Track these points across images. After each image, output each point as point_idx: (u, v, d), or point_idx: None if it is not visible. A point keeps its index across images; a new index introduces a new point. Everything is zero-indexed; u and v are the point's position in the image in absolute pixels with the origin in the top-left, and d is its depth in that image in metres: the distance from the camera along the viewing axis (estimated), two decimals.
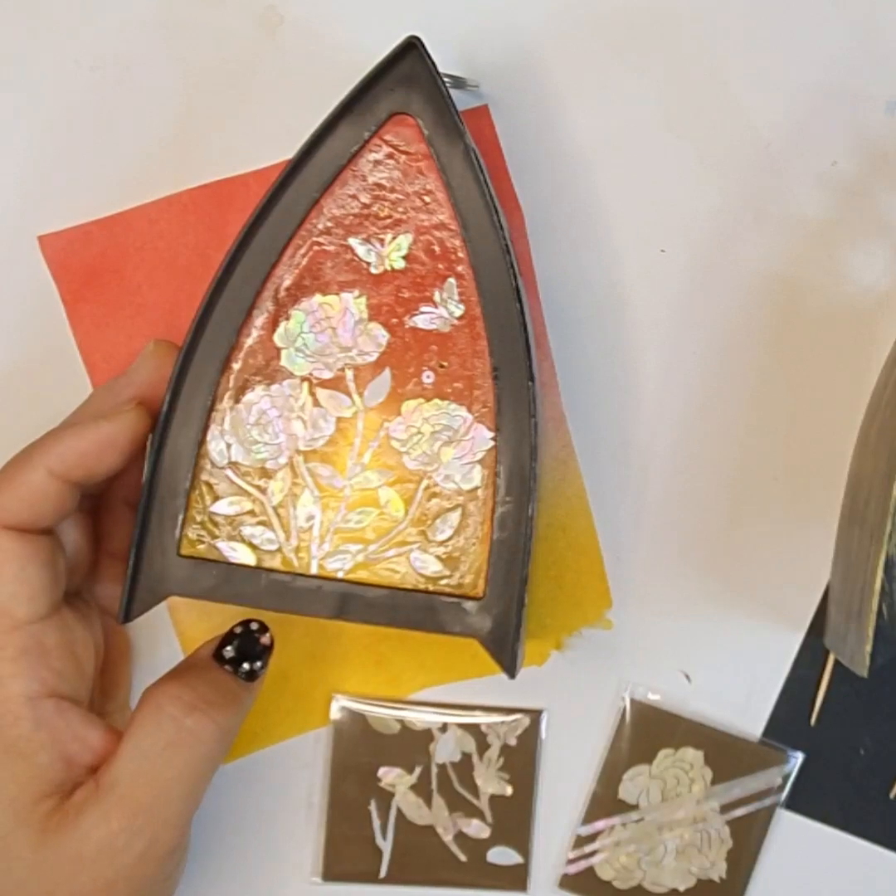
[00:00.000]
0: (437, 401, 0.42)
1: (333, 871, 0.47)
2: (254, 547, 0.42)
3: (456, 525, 0.42)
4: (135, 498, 0.43)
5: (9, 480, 0.40)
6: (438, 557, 0.42)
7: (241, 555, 0.42)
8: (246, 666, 0.42)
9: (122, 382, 0.43)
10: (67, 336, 0.46)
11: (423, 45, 0.40)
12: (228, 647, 0.42)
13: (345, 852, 0.47)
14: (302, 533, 0.42)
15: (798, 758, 0.46)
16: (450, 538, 0.42)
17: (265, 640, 0.42)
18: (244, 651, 0.42)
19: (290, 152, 0.41)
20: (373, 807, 0.47)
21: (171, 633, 0.47)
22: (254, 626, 0.42)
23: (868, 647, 0.39)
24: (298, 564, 0.42)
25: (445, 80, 0.41)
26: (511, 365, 0.41)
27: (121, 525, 0.44)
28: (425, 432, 0.42)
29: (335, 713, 0.47)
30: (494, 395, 0.42)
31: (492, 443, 0.42)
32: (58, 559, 0.41)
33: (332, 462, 0.42)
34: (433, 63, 0.40)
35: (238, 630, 0.42)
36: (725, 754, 0.46)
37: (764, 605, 0.46)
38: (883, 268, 0.45)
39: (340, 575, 0.42)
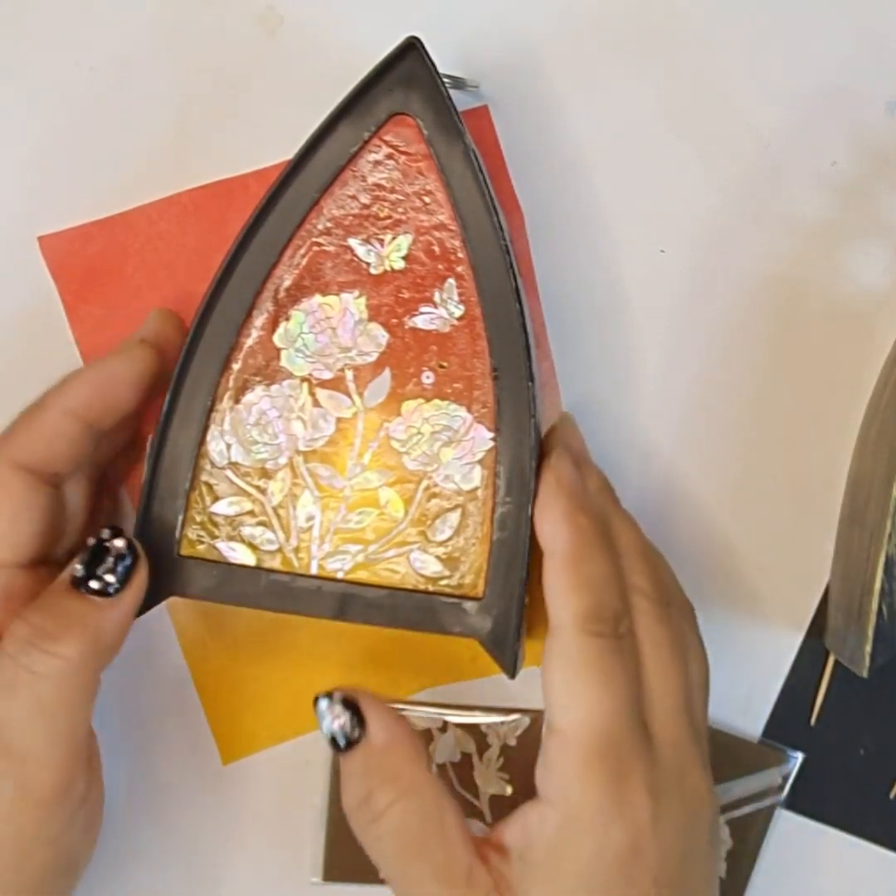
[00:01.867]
0: (436, 401, 0.42)
1: (333, 872, 0.47)
2: (254, 547, 0.42)
3: (456, 525, 0.42)
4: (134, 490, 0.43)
5: (25, 422, 0.41)
6: (438, 558, 0.42)
7: (241, 555, 0.42)
8: (95, 584, 0.39)
9: (131, 337, 0.44)
10: (67, 336, 0.46)
11: (422, 46, 0.40)
12: (78, 565, 0.39)
13: (345, 852, 0.47)
14: (302, 533, 0.42)
15: (798, 758, 0.46)
16: (449, 538, 0.42)
17: (118, 544, 0.40)
18: (94, 566, 0.39)
19: (290, 152, 0.41)
20: None
21: (171, 632, 0.47)
22: (104, 533, 0.40)
23: (868, 647, 0.39)
24: (298, 565, 0.42)
25: (445, 80, 0.41)
26: (511, 365, 0.41)
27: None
28: (425, 432, 0.42)
29: None
30: (494, 395, 0.42)
31: (492, 443, 0.42)
32: (56, 517, 0.41)
33: (332, 462, 0.42)
34: (433, 63, 0.40)
35: (90, 542, 0.40)
36: (725, 754, 0.46)
37: (764, 605, 0.46)
38: (883, 268, 0.45)
39: (340, 575, 0.42)
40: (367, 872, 0.47)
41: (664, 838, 0.38)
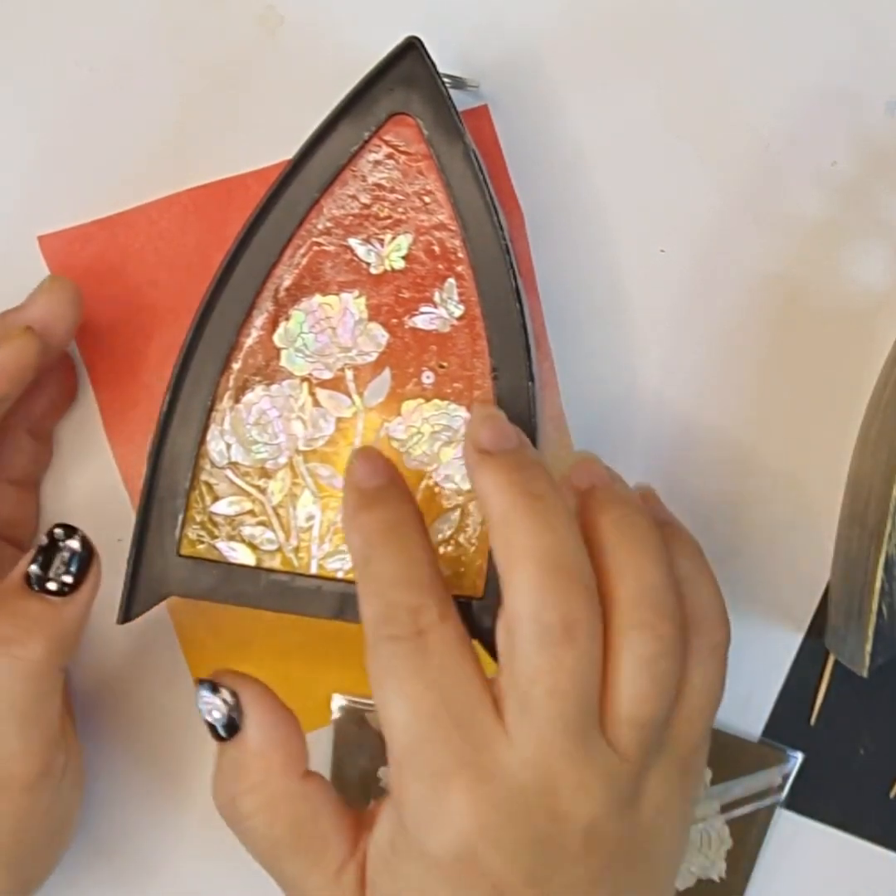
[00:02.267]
0: (436, 401, 0.42)
1: None
2: (254, 547, 0.42)
3: (455, 525, 0.42)
4: (37, 428, 0.44)
5: None
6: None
7: (241, 555, 0.42)
8: (51, 585, 0.39)
9: (13, 315, 0.42)
10: None
11: (422, 46, 0.40)
12: (33, 566, 0.40)
13: None
14: (302, 533, 0.42)
15: (798, 758, 0.46)
16: (449, 538, 0.42)
17: (73, 544, 0.40)
18: (50, 565, 0.39)
19: (290, 152, 0.41)
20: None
21: (171, 633, 0.47)
22: (58, 533, 0.40)
23: (868, 647, 0.39)
24: (298, 564, 0.42)
25: (445, 80, 0.41)
26: (511, 365, 0.41)
27: (20, 453, 0.44)
28: (425, 432, 0.42)
29: (335, 713, 0.47)
30: (494, 395, 0.42)
31: None
32: None
33: (331, 462, 0.42)
34: (433, 63, 0.40)
35: (43, 541, 0.40)
36: (725, 754, 0.46)
37: (764, 605, 0.46)
38: (883, 268, 0.45)
39: (340, 575, 0.42)
40: None
41: (498, 839, 0.35)
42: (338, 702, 0.47)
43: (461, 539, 0.42)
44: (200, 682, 0.39)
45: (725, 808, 0.46)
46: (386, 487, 0.39)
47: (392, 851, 0.36)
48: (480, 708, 0.35)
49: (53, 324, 0.42)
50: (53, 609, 0.39)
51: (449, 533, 0.42)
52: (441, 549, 0.42)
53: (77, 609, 0.40)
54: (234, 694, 0.38)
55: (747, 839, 0.47)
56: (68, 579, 0.40)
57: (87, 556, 0.40)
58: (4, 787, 0.39)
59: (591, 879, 0.35)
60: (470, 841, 0.34)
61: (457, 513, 0.42)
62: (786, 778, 0.46)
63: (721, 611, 0.38)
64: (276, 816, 0.38)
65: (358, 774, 0.47)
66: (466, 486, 0.42)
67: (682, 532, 0.40)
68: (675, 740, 0.37)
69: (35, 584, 0.39)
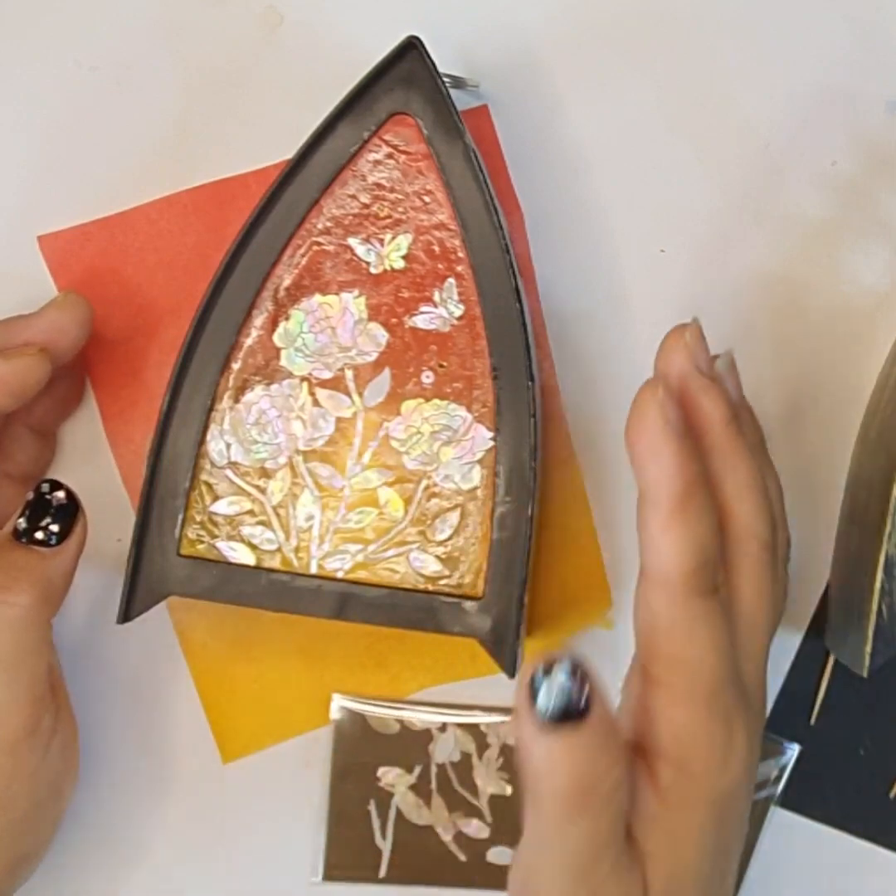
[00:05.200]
0: (436, 401, 0.42)
1: (333, 872, 0.47)
2: (253, 547, 0.42)
3: (455, 525, 0.42)
4: (39, 424, 0.44)
5: None
6: (438, 557, 0.42)
7: (241, 555, 0.42)
8: (39, 535, 0.41)
9: (21, 324, 0.43)
10: None
11: (422, 45, 0.40)
12: (20, 519, 0.41)
13: (345, 852, 0.47)
14: (301, 533, 0.42)
15: (794, 749, 0.46)
16: (449, 538, 0.42)
17: (59, 495, 0.41)
18: (37, 517, 0.41)
19: (290, 152, 0.41)
20: (372, 807, 0.47)
21: (171, 633, 0.47)
22: (44, 487, 0.41)
23: (868, 647, 0.39)
24: (298, 564, 0.42)
25: (445, 80, 0.41)
26: (511, 365, 0.41)
27: (22, 449, 0.45)
28: (425, 432, 0.42)
29: (335, 713, 0.47)
30: (494, 394, 0.42)
31: (491, 443, 0.42)
32: None
33: (331, 462, 0.42)
34: (433, 63, 0.40)
35: (29, 497, 0.41)
36: None
37: None
38: (883, 268, 0.45)
39: (340, 575, 0.42)
40: (367, 872, 0.47)
41: (753, 778, 0.39)
42: (338, 702, 0.47)
43: (461, 539, 0.42)
44: (547, 665, 0.35)
45: None
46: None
47: (665, 807, 0.37)
48: (736, 657, 0.38)
49: (58, 339, 0.42)
50: (41, 559, 0.40)
51: (449, 533, 0.42)
52: (441, 549, 0.42)
53: (64, 560, 0.41)
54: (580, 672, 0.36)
55: None
56: (55, 528, 0.41)
57: (72, 508, 0.41)
58: None
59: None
60: (742, 778, 0.37)
61: (457, 513, 0.42)
62: (782, 770, 0.46)
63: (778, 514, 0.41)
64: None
65: (358, 774, 0.47)
66: (466, 485, 0.42)
67: (752, 417, 0.43)
68: None
69: (23, 537, 0.41)
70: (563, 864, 0.36)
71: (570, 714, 0.35)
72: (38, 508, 0.41)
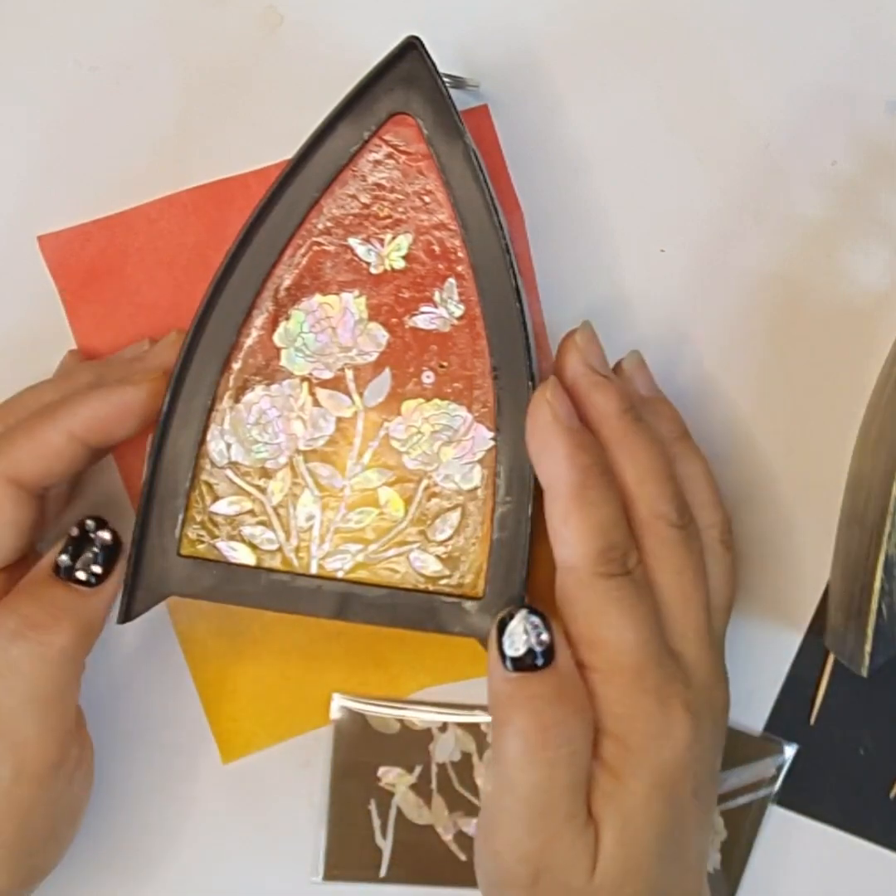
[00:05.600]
0: (436, 401, 0.42)
1: (333, 871, 0.47)
2: (254, 547, 0.42)
3: (456, 525, 0.42)
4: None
5: (29, 436, 0.40)
6: (438, 557, 0.42)
7: (241, 555, 0.42)
8: (81, 575, 0.40)
9: (149, 355, 0.43)
10: (67, 336, 0.46)
11: (422, 45, 0.40)
12: (63, 556, 0.41)
13: (345, 852, 0.47)
14: (302, 533, 0.42)
15: (791, 749, 0.46)
16: (449, 538, 0.42)
17: (104, 536, 0.41)
18: (80, 556, 0.40)
19: (290, 152, 0.41)
20: (373, 806, 0.47)
21: (171, 633, 0.47)
22: (89, 524, 0.41)
23: (868, 647, 0.39)
24: (298, 564, 0.42)
25: (445, 80, 0.41)
26: (511, 365, 0.41)
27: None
28: (425, 432, 0.42)
29: (335, 713, 0.47)
30: (494, 394, 0.42)
31: (492, 443, 0.42)
32: (38, 522, 0.42)
33: (331, 462, 0.42)
34: (433, 63, 0.40)
35: (74, 532, 0.41)
36: None
37: (764, 605, 0.46)
38: (883, 268, 0.45)
39: (340, 575, 0.42)
40: (367, 872, 0.47)
41: (701, 753, 0.39)
42: (338, 702, 0.47)
43: (461, 539, 0.42)
44: (512, 612, 0.39)
45: (720, 799, 0.46)
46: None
47: (616, 781, 0.38)
48: (666, 636, 0.40)
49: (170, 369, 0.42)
50: (81, 598, 0.40)
51: (449, 533, 0.42)
52: (441, 549, 0.42)
53: (103, 600, 0.41)
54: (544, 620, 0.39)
55: (741, 831, 0.47)
56: (98, 570, 0.41)
57: (115, 549, 0.41)
58: (17, 773, 0.39)
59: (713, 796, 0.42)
60: (685, 752, 0.39)
61: (457, 513, 0.42)
62: (779, 769, 0.46)
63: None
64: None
65: (358, 774, 0.47)
66: (466, 485, 0.42)
67: (666, 408, 0.43)
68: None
69: (64, 574, 0.40)
70: (519, 810, 0.38)
71: (535, 660, 0.38)
72: (81, 546, 0.41)
